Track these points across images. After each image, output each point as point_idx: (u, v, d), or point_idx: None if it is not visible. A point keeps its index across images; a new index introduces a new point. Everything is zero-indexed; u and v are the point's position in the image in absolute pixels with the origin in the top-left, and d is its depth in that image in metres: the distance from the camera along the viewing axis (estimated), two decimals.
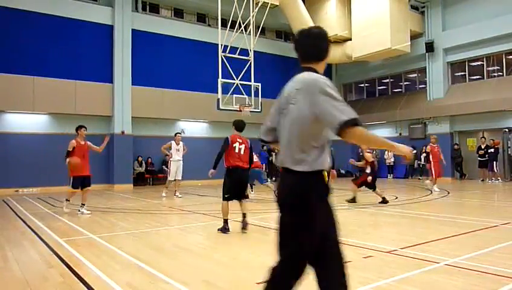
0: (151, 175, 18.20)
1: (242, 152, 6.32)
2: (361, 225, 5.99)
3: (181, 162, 12.31)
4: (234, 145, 6.30)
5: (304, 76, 2.27)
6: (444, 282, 3.65)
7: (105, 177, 16.60)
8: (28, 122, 15.55)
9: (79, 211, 8.65)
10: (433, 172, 12.92)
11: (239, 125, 6.56)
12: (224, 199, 6.33)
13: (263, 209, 9.18)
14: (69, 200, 8.97)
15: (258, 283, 3.68)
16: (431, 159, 13.04)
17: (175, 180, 12.36)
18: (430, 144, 13.28)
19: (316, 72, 2.29)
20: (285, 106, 2.32)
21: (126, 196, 13.24)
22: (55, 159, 15.47)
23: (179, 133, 12.88)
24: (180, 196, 12.39)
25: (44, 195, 13.61)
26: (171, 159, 12.25)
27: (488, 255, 4.60)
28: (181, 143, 12.37)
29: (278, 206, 2.30)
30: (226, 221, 6.32)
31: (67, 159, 8.59)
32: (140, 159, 17.81)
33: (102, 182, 16.27)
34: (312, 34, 2.39)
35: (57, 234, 6.33)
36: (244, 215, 6.35)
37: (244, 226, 6.26)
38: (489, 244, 5.10)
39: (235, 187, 6.32)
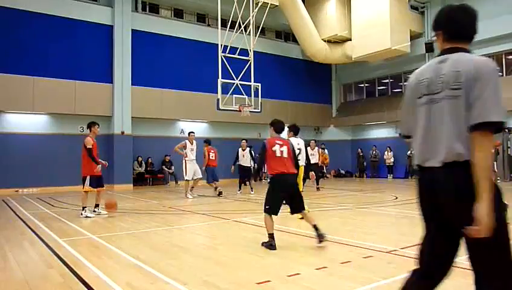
0: (151, 175, 18.20)
1: (285, 155, 5.38)
2: (361, 225, 5.98)
3: (195, 161, 12.29)
4: (274, 149, 5.37)
5: (467, 57, 1.99)
6: (444, 282, 3.64)
7: (105, 178, 16.30)
8: (28, 123, 15.55)
9: (94, 211, 8.57)
10: None
11: (279, 127, 5.63)
12: (265, 210, 5.29)
13: (260, 209, 9.16)
14: (86, 207, 8.35)
15: (258, 283, 3.68)
16: None
17: (193, 179, 12.34)
18: None
19: (470, 53, 2.05)
20: (433, 91, 2.05)
21: (126, 196, 13.23)
22: (55, 159, 15.54)
23: (192, 132, 12.66)
24: (196, 195, 12.40)
25: (44, 195, 13.61)
26: (186, 159, 12.11)
27: None
28: (195, 142, 12.33)
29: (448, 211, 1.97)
30: (271, 235, 5.19)
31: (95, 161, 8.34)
32: (140, 159, 17.81)
33: None
34: (468, 11, 2.12)
35: (57, 234, 6.32)
36: (315, 227, 5.23)
37: (321, 238, 5.17)
38: None
39: (285, 198, 5.37)
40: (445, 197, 1.96)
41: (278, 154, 5.36)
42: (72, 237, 6.18)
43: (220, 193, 12.44)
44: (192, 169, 12.14)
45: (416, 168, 2.16)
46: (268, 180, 5.43)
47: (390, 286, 3.55)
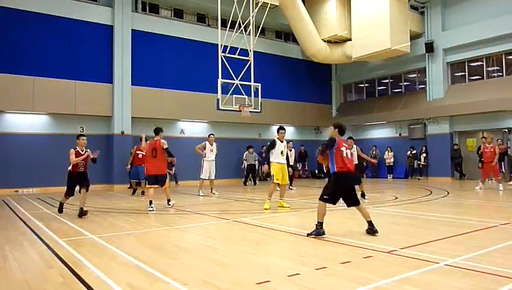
0: None
1: (349, 156, 6.18)
2: (360, 225, 5.98)
3: (214, 162, 13.01)
4: (341, 149, 6.02)
5: None
6: (444, 282, 3.65)
7: (105, 178, 16.60)
8: (28, 123, 15.55)
9: (152, 206, 9.18)
10: (482, 172, 13.48)
11: (343, 129, 6.34)
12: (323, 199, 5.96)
13: (260, 209, 9.17)
14: (170, 199, 9.72)
15: (258, 283, 3.68)
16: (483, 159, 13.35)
17: (208, 179, 13.02)
18: (486, 143, 13.33)
19: None
20: None
21: (126, 196, 13.23)
22: (55, 159, 15.50)
23: (212, 134, 13.55)
24: (217, 194, 12.94)
25: (44, 195, 13.61)
26: (204, 159, 12.89)
27: (488, 255, 4.60)
28: (214, 144, 13.05)
29: None
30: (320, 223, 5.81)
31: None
32: None
33: (102, 182, 16.28)
34: None
35: (56, 234, 6.32)
36: (370, 223, 5.88)
37: (373, 232, 5.82)
38: (489, 245, 5.10)
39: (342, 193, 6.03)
40: None
41: (344, 155, 5.96)
42: (72, 237, 6.18)
43: (142, 193, 13.10)
44: (208, 169, 12.87)
45: None
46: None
47: (391, 286, 3.55)
